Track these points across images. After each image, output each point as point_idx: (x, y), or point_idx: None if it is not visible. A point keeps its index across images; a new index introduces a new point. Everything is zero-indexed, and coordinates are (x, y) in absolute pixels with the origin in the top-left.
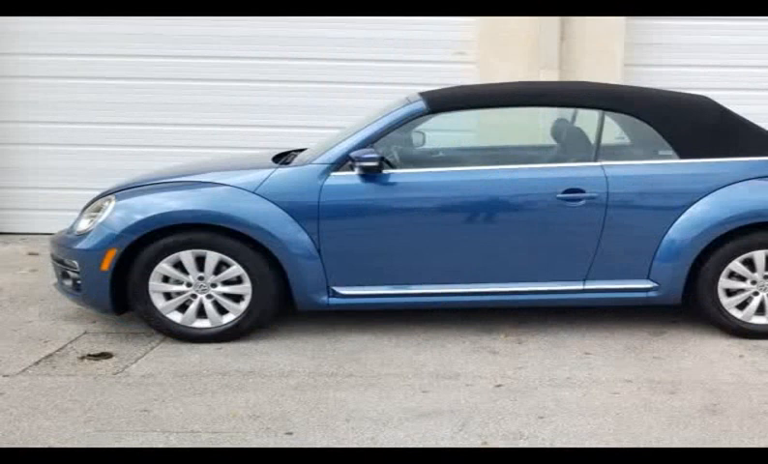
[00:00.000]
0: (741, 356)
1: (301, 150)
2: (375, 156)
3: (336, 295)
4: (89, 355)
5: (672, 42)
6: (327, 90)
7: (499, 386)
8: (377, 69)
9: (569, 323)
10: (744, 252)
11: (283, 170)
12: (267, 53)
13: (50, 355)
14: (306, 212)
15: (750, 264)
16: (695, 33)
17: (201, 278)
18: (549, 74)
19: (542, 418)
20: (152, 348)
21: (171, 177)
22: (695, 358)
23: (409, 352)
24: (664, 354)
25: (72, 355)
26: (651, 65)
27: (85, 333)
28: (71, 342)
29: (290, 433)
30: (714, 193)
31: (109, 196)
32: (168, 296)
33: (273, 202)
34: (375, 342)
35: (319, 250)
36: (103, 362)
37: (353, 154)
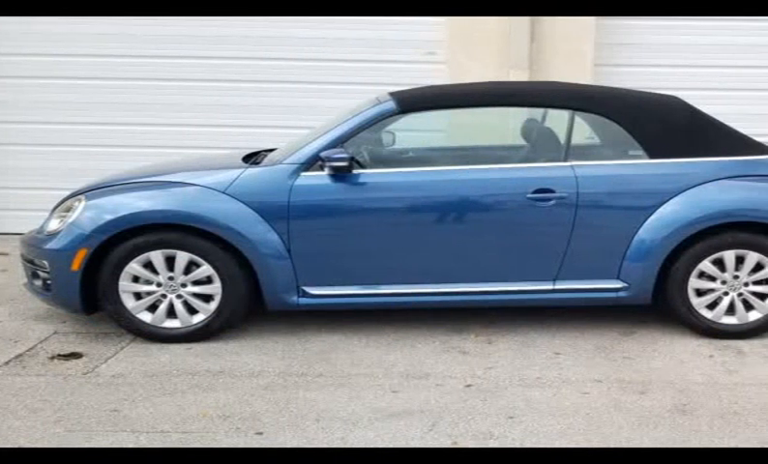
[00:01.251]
0: (711, 356)
1: (271, 150)
2: (345, 156)
3: (306, 295)
4: (59, 355)
5: (642, 42)
6: (298, 90)
7: (469, 386)
8: (348, 69)
9: (539, 323)
10: (714, 252)
11: (253, 170)
12: (238, 53)
13: (20, 355)
14: (275, 212)
15: (720, 264)
16: (665, 33)
17: (171, 278)
18: (519, 75)
19: (512, 418)
20: (122, 348)
21: (142, 177)
22: (665, 358)
23: (379, 352)
24: (634, 354)
25: (42, 355)
26: (621, 65)
27: (55, 332)
28: (41, 342)
29: (260, 433)
30: (684, 193)
31: (79, 196)
32: (138, 296)
33: (243, 202)
34: (345, 342)
35: (289, 250)
36: (74, 361)
37: (323, 154)
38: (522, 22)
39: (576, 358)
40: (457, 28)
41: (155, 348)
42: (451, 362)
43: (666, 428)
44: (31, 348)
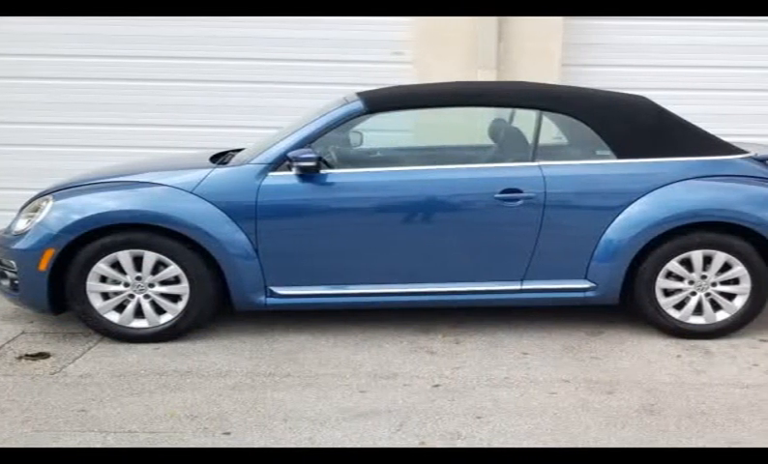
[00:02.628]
0: (678, 356)
1: (239, 150)
2: (313, 156)
3: (273, 295)
4: (27, 355)
5: (610, 42)
6: (265, 90)
7: (437, 386)
8: (315, 69)
9: (506, 323)
10: (681, 252)
11: (221, 170)
12: (205, 53)
13: None
14: (243, 212)
15: (687, 264)
16: (633, 33)
17: (139, 278)
18: (487, 74)
19: (479, 418)
20: (89, 348)
21: (109, 177)
22: (633, 358)
23: (347, 352)
24: (601, 354)
25: (9, 355)
26: (588, 65)
27: (23, 333)
28: (8, 342)
29: (228, 433)
30: (651, 193)
31: (47, 196)
32: (106, 296)
33: (210, 202)
34: (313, 342)
35: (257, 250)
36: (41, 362)
37: (291, 154)
38: (490, 22)
39: (544, 358)
40: (425, 28)
41: (122, 348)
42: (418, 363)
43: (634, 428)
44: None
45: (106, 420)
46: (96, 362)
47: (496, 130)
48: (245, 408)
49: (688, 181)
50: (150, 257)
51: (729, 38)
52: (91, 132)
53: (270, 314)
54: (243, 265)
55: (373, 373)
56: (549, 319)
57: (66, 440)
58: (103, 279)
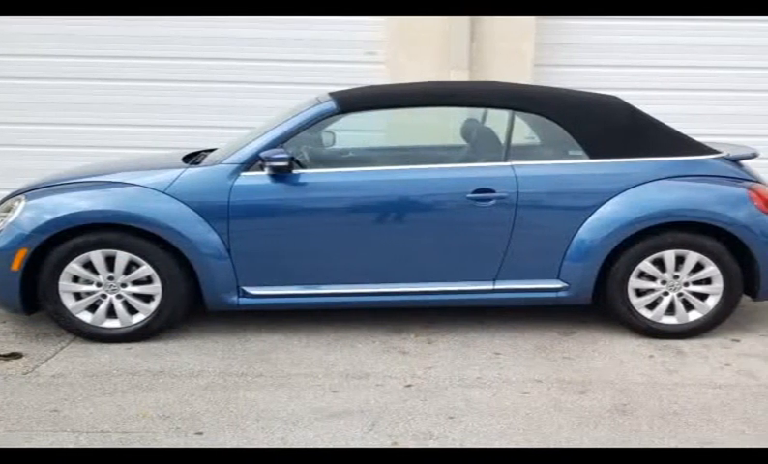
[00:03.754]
0: (651, 356)
1: (211, 150)
2: (285, 156)
3: (246, 295)
4: None
5: (582, 42)
6: (238, 90)
7: (409, 386)
8: (288, 69)
9: (479, 323)
10: (654, 252)
11: (193, 170)
12: (178, 53)
13: None
14: (215, 212)
15: (660, 264)
16: (606, 33)
17: (111, 278)
18: (460, 74)
19: (452, 418)
20: (62, 348)
21: (82, 177)
22: (605, 358)
23: (319, 352)
24: (574, 354)
25: None
26: (561, 65)
27: None
28: None
29: (200, 433)
30: (624, 193)
31: (20, 196)
32: (78, 296)
33: (183, 202)
34: (285, 342)
35: (229, 250)
36: (14, 361)
37: (263, 154)
38: (462, 22)
39: (516, 358)
40: (398, 28)
41: (95, 348)
42: (391, 363)
43: (607, 428)
44: None
45: (79, 420)
46: (68, 362)
47: (469, 130)
48: (217, 408)
49: (660, 181)
50: (122, 257)
51: (702, 38)
52: (65, 132)
53: (242, 314)
54: (215, 265)
55: (346, 373)
56: (522, 319)
57: (38, 440)
58: (76, 279)
